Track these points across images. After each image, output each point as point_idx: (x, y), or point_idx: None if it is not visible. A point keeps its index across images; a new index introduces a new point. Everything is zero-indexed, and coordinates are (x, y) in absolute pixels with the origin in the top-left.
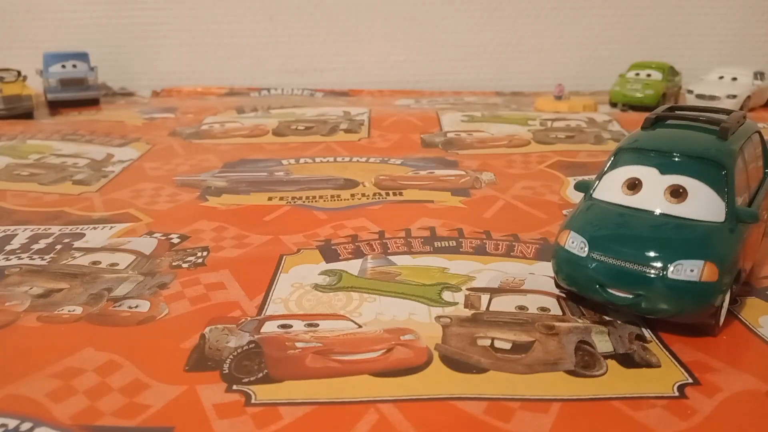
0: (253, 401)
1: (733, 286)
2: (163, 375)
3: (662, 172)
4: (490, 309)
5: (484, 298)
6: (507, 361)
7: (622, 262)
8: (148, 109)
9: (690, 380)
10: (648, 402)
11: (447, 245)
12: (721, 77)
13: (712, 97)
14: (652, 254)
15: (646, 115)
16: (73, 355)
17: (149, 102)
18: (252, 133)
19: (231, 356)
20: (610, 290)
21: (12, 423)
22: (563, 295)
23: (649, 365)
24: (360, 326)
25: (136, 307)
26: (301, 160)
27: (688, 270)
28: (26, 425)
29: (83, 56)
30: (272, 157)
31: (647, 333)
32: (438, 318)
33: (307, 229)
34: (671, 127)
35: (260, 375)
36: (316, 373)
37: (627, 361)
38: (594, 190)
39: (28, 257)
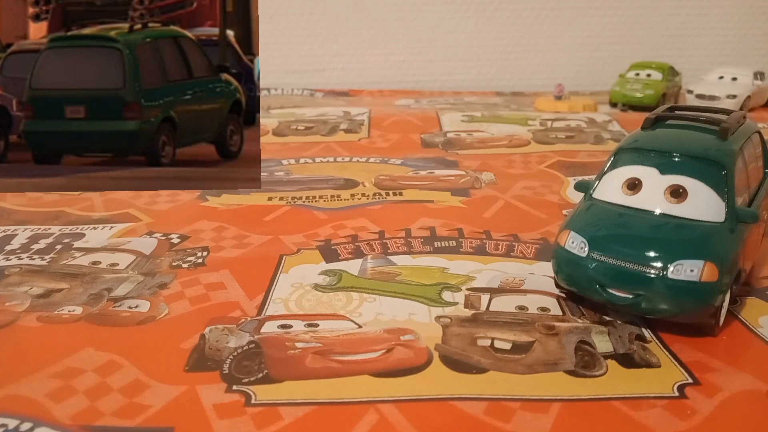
0: (253, 401)
1: (733, 286)
2: (163, 375)
3: (662, 172)
4: (490, 309)
5: (484, 298)
6: (507, 361)
7: (622, 262)
8: None
9: (690, 380)
10: (648, 402)
11: (447, 245)
12: (721, 77)
13: (712, 97)
14: (652, 254)
15: (646, 115)
16: (73, 355)
17: None
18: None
19: (231, 356)
20: (610, 290)
21: (12, 423)
22: (563, 295)
23: (649, 365)
24: (360, 326)
25: (136, 307)
26: (301, 160)
27: (688, 270)
28: (26, 425)
29: None
30: (272, 157)
31: (647, 333)
32: (438, 318)
33: (307, 229)
34: (671, 127)
35: (260, 375)
36: (316, 374)
37: (627, 361)
38: (594, 190)
39: (28, 257)
